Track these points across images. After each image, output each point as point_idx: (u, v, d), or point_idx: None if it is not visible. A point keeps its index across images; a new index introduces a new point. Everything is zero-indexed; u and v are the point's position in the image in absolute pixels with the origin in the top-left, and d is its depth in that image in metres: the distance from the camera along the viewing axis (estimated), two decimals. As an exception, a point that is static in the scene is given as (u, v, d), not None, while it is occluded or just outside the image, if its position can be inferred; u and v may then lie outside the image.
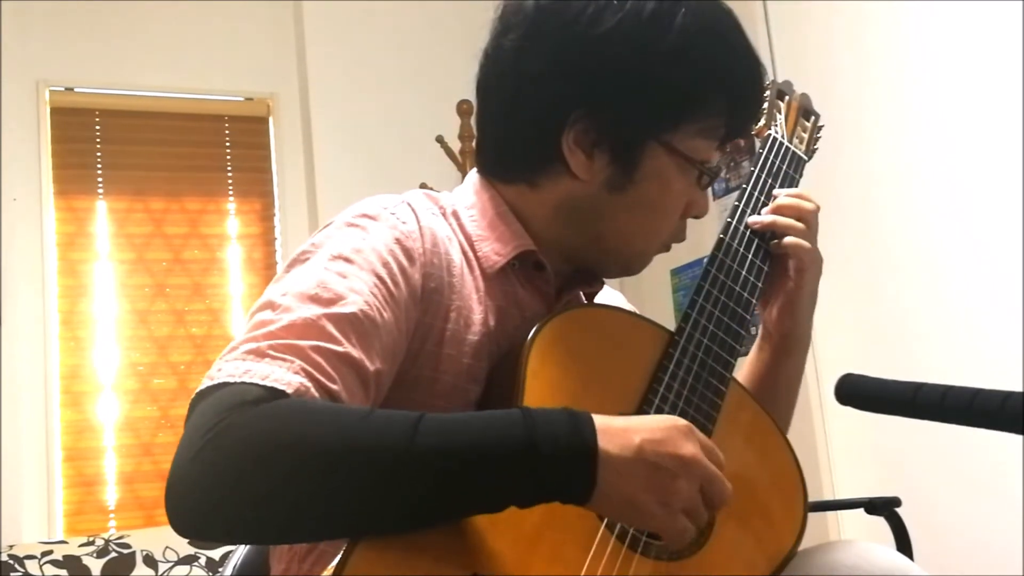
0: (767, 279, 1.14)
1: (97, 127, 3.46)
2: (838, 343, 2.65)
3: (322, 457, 0.76)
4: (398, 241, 0.97)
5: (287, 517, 0.77)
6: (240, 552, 1.24)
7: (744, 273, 1.11)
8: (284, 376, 0.82)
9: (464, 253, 1.04)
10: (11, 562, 2.66)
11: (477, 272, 1.03)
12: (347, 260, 0.93)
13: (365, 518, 0.78)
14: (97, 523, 3.22)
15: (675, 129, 1.02)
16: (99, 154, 3.45)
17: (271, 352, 0.83)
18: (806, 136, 1.26)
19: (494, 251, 1.04)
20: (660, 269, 3.38)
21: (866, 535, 2.24)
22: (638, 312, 1.17)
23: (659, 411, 0.99)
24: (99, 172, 3.44)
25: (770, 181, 1.19)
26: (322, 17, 3.59)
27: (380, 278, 0.93)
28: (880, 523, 1.83)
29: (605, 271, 1.12)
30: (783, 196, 1.16)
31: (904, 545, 1.79)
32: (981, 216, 2.34)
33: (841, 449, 2.74)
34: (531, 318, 1.03)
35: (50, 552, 2.72)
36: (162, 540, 2.81)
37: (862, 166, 2.65)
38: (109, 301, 3.37)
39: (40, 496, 3.14)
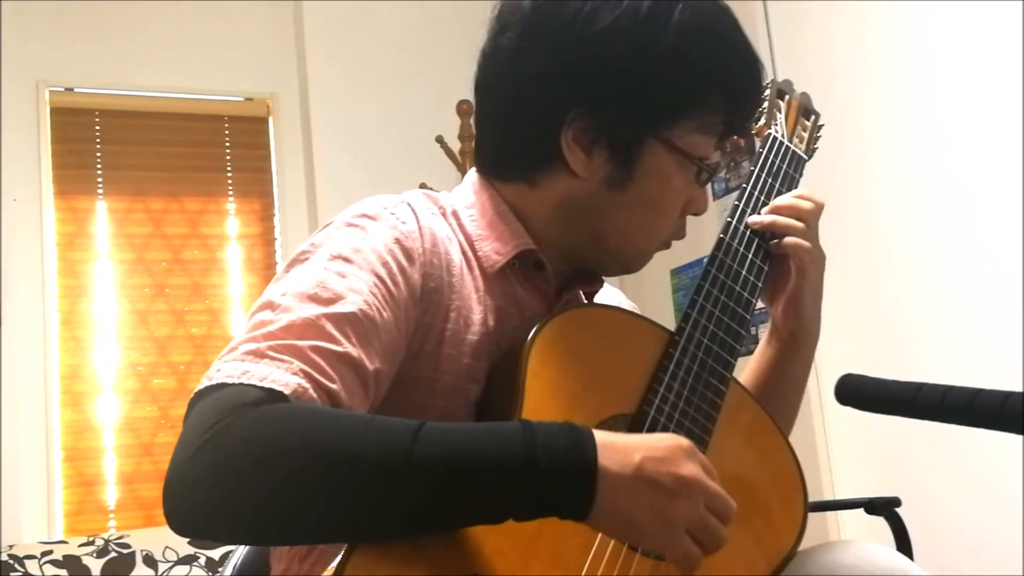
0: (769, 278, 1.14)
1: (97, 127, 3.46)
2: (838, 343, 2.65)
3: (322, 461, 0.76)
4: (398, 241, 0.97)
5: (286, 519, 0.77)
6: (240, 552, 1.24)
7: (744, 273, 1.11)
8: (282, 377, 0.81)
9: (464, 253, 1.04)
10: (11, 562, 2.66)
11: (477, 272, 1.03)
12: (346, 260, 0.93)
13: (363, 523, 0.78)
14: (97, 523, 3.22)
15: (674, 125, 1.02)
16: (99, 154, 3.45)
17: (270, 353, 0.83)
18: (806, 135, 1.26)
19: (494, 250, 1.04)
20: (660, 269, 3.38)
21: (866, 535, 2.24)
22: (638, 311, 1.17)
23: (659, 411, 0.99)
24: (99, 172, 3.44)
25: (770, 180, 1.18)
26: (322, 17, 3.59)
27: (379, 278, 0.92)
28: (880, 523, 1.83)
29: (605, 270, 1.12)
30: (783, 196, 1.16)
31: (904, 545, 1.79)
32: (981, 216, 2.34)
33: (841, 449, 2.74)
34: (531, 318, 1.03)
35: (50, 552, 2.72)
36: (162, 540, 2.81)
37: (862, 166, 2.65)
38: (109, 301, 3.37)
39: (40, 496, 3.14)
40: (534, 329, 0.96)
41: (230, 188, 3.60)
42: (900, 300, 2.56)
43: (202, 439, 0.76)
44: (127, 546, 2.79)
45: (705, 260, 1.10)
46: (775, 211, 1.14)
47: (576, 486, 0.78)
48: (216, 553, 2.81)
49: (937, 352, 2.42)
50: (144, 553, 2.78)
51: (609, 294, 1.22)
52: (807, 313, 1.16)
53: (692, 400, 1.01)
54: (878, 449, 2.63)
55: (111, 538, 2.81)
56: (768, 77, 1.12)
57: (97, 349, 3.33)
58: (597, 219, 1.05)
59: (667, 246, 1.11)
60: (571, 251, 1.08)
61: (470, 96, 1.10)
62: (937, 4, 2.45)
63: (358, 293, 0.90)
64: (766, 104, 1.24)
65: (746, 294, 1.10)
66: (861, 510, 1.86)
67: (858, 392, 0.83)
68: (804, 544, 1.01)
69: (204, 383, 0.83)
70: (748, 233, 1.13)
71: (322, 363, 0.84)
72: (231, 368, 0.82)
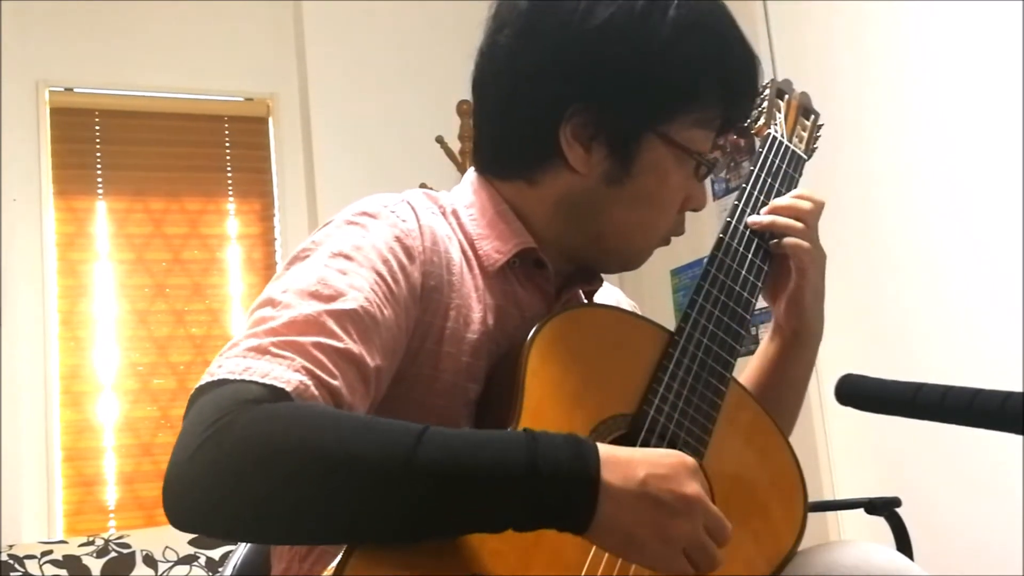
0: (769, 278, 1.14)
1: (97, 127, 3.46)
2: (838, 343, 2.64)
3: (322, 462, 0.76)
4: (398, 239, 0.97)
5: (285, 519, 0.77)
6: (240, 552, 1.24)
7: (744, 273, 1.11)
8: (284, 374, 0.81)
9: (464, 252, 1.04)
10: (11, 562, 2.66)
11: (476, 271, 1.03)
12: (347, 257, 0.93)
13: (362, 526, 0.77)
14: (97, 523, 3.22)
15: (671, 120, 1.02)
16: (99, 154, 3.45)
17: (272, 349, 0.83)
18: (806, 135, 1.26)
19: (495, 249, 1.04)
20: (660, 269, 3.38)
21: (866, 535, 2.25)
22: (638, 310, 1.17)
23: (659, 410, 0.99)
24: (99, 172, 3.44)
25: (770, 180, 1.18)
26: (322, 17, 3.59)
27: (380, 275, 0.93)
28: (880, 523, 1.83)
29: (605, 267, 1.12)
30: (783, 196, 1.16)
31: (904, 545, 1.79)
32: (981, 216, 2.34)
33: (841, 449, 2.74)
34: (530, 317, 1.03)
35: (50, 552, 2.72)
36: (162, 540, 2.80)
37: (862, 166, 2.65)
38: (109, 301, 3.37)
39: (40, 496, 3.14)
40: (534, 328, 0.96)
41: (230, 188, 3.60)
42: (900, 300, 2.56)
43: (203, 436, 0.76)
44: (127, 546, 2.79)
45: (705, 260, 1.10)
46: (774, 211, 1.14)
47: (577, 498, 0.78)
48: (216, 553, 2.81)
49: (937, 352, 2.42)
50: (144, 553, 2.78)
51: (608, 293, 1.22)
52: (809, 312, 1.16)
53: (692, 400, 1.01)
54: (878, 449, 2.63)
55: (111, 538, 2.81)
56: (767, 76, 1.12)
57: (97, 349, 3.33)
58: (597, 215, 1.05)
59: (667, 242, 1.11)
60: (571, 249, 1.08)
61: (470, 96, 1.10)
62: (937, 4, 2.45)
63: (359, 290, 0.90)
64: (765, 104, 1.24)
65: (746, 294, 1.10)
66: (861, 510, 1.86)
67: (858, 392, 0.83)
68: (804, 544, 1.01)
69: (205, 379, 0.83)
70: (748, 233, 1.13)
71: (324, 359, 0.84)
72: (233, 364, 0.82)
